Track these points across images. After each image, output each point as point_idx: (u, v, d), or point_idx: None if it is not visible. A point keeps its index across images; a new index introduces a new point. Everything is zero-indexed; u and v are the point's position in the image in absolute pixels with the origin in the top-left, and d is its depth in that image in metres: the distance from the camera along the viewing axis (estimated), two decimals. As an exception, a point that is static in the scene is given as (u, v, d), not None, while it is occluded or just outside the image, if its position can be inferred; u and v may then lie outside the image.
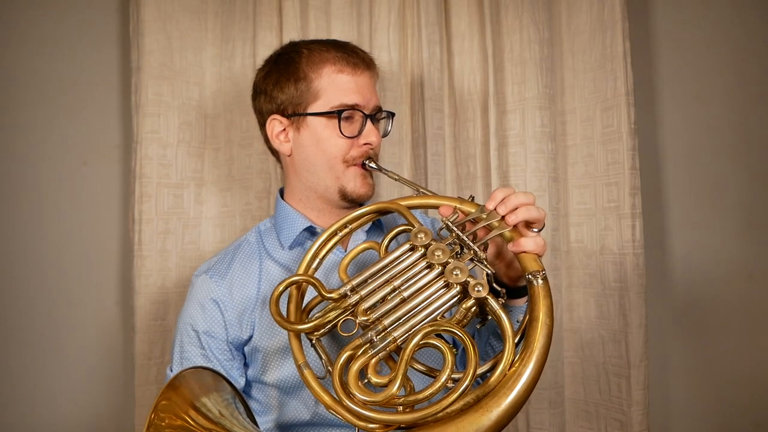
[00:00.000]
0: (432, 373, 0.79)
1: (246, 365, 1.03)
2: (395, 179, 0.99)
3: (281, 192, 1.12)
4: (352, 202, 1.04)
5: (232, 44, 1.56)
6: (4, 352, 1.54)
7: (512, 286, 0.90)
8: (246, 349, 1.01)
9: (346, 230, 0.92)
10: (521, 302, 0.91)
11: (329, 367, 0.78)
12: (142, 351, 1.46)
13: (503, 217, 0.82)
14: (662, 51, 1.62)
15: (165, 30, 1.51)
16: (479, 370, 0.72)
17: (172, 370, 1.02)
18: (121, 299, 1.65)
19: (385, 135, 1.10)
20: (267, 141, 1.10)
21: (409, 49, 1.51)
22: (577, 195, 1.48)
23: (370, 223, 0.99)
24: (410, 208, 0.90)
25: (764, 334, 1.48)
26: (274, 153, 1.12)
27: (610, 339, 1.41)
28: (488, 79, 1.48)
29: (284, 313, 0.84)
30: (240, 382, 1.02)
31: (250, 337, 1.00)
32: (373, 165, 1.02)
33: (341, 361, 0.74)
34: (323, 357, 0.80)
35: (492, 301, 0.75)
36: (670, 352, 1.58)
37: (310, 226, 1.04)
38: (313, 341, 0.81)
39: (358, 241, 1.05)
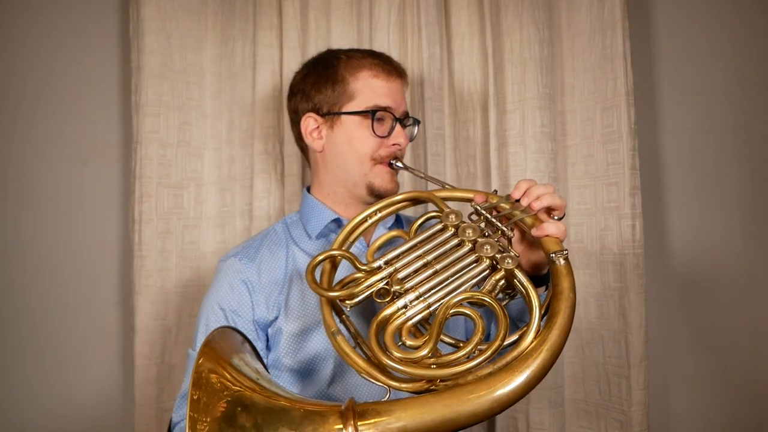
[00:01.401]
0: (459, 345, 0.81)
1: (267, 348, 1.06)
2: (421, 177, 1.08)
3: (307, 189, 1.18)
4: (378, 197, 1.10)
5: (232, 44, 1.56)
6: (3, 352, 1.54)
7: (532, 274, 0.94)
8: (270, 330, 1.05)
9: (379, 215, 0.98)
10: (540, 291, 0.94)
11: (358, 340, 0.82)
12: (142, 351, 1.46)
13: (527, 206, 0.88)
14: (662, 51, 1.61)
15: (165, 30, 1.51)
16: (507, 341, 0.74)
17: (194, 350, 1.04)
18: (121, 299, 1.65)
19: (411, 139, 1.18)
20: (299, 139, 1.17)
21: (409, 49, 1.51)
22: (577, 195, 1.48)
23: (393, 219, 1.11)
24: (443, 199, 0.95)
25: (765, 334, 1.48)
26: (304, 150, 1.19)
27: (610, 339, 1.41)
28: (488, 79, 1.48)
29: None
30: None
31: (275, 318, 1.04)
32: (400, 164, 1.10)
33: (377, 321, 0.76)
34: (352, 330, 0.84)
35: (520, 274, 0.79)
36: (670, 352, 1.58)
37: (337, 218, 1.11)
38: (343, 316, 0.84)
39: (379, 235, 1.09)
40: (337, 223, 1.11)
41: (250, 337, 0.99)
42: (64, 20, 1.63)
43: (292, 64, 1.49)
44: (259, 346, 1.04)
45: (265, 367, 0.89)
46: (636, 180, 1.38)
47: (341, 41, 1.52)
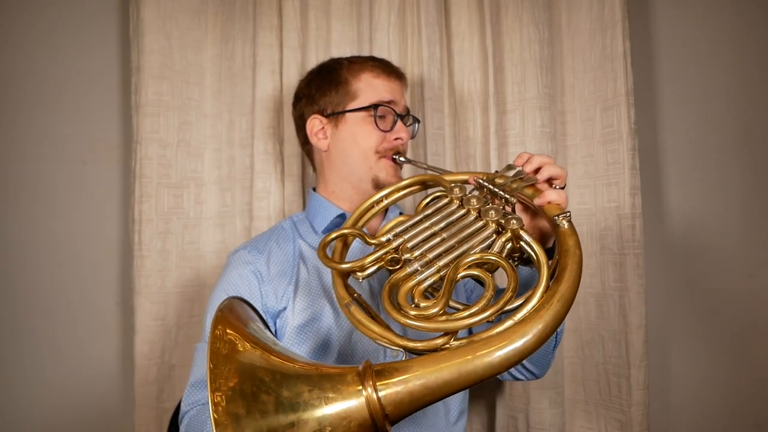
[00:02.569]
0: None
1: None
2: (424, 168, 1.11)
3: (313, 189, 1.23)
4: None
5: (232, 44, 1.56)
6: (3, 352, 1.54)
7: None
8: (278, 321, 1.07)
9: (390, 199, 1.01)
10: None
11: (371, 313, 0.82)
12: (142, 351, 1.46)
13: (527, 176, 0.91)
14: (662, 51, 1.62)
15: (165, 30, 1.51)
16: (518, 302, 0.74)
17: (205, 340, 1.04)
18: (121, 299, 1.65)
19: (412, 137, 1.23)
20: (304, 142, 1.22)
21: (409, 49, 1.51)
22: (577, 195, 1.48)
23: (397, 213, 1.19)
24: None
25: (765, 334, 1.48)
26: (309, 154, 1.24)
27: (610, 339, 1.41)
28: (488, 79, 1.48)
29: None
30: None
31: (284, 309, 1.06)
32: (402, 159, 1.14)
33: (390, 284, 0.77)
34: (363, 305, 0.84)
35: (525, 235, 0.80)
36: (670, 352, 1.58)
37: (343, 213, 1.15)
38: (355, 294, 0.84)
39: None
40: (343, 218, 1.15)
41: None
42: (64, 20, 1.63)
43: (292, 64, 1.49)
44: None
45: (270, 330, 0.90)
46: (636, 180, 1.38)
47: (341, 41, 1.53)
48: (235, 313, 0.75)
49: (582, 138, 1.47)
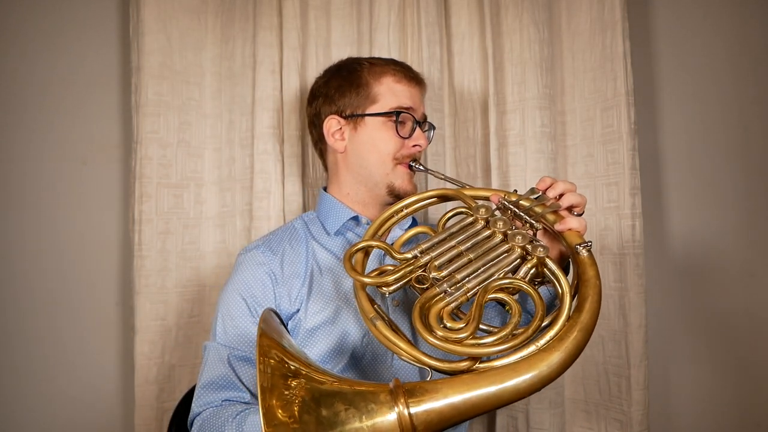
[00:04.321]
0: (492, 331, 0.83)
1: None
2: (441, 178, 1.11)
3: (323, 189, 1.22)
4: (397, 197, 1.14)
5: (232, 44, 1.56)
6: (3, 352, 1.54)
7: None
8: (290, 323, 1.06)
9: (410, 209, 1.01)
10: None
11: (393, 327, 0.83)
12: (142, 351, 1.46)
13: (550, 202, 0.92)
14: (662, 51, 1.62)
15: (165, 30, 1.51)
16: (543, 323, 0.77)
17: (214, 340, 1.05)
18: (121, 299, 1.65)
19: (428, 142, 1.21)
20: (318, 141, 1.21)
21: (409, 49, 1.51)
22: (577, 195, 1.47)
23: (410, 220, 1.17)
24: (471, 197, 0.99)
25: (765, 334, 1.48)
26: (322, 152, 1.23)
27: (610, 339, 1.41)
28: (488, 79, 1.48)
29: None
30: None
31: (297, 311, 1.06)
32: (420, 167, 1.13)
33: (420, 303, 0.79)
34: (386, 318, 0.85)
35: (550, 262, 0.83)
36: (670, 352, 1.58)
37: (356, 216, 1.15)
38: (375, 306, 0.85)
39: (395, 237, 1.10)
40: (356, 220, 1.15)
41: None
42: (64, 20, 1.63)
43: (292, 64, 1.49)
44: None
45: None
46: (636, 180, 1.38)
47: (341, 41, 1.53)
48: (270, 326, 0.77)
49: (582, 138, 1.47)
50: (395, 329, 0.82)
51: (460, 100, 1.55)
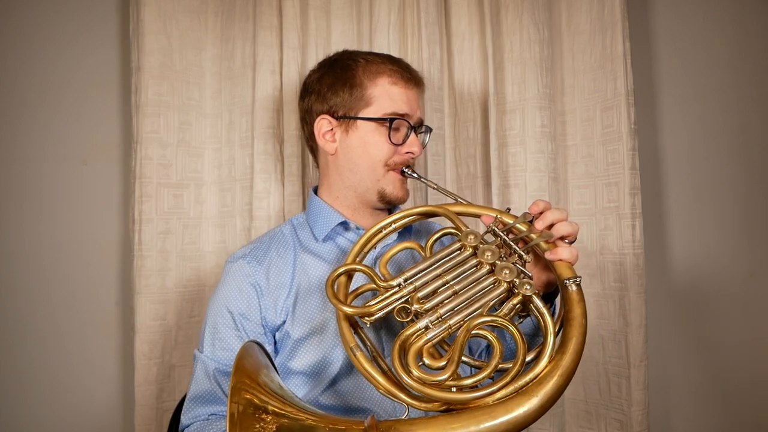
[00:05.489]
0: (477, 365, 0.83)
1: (275, 352, 1.06)
2: (434, 188, 1.06)
3: (314, 189, 1.18)
4: (388, 203, 1.11)
5: (232, 44, 1.56)
6: (4, 352, 1.54)
7: (542, 291, 0.95)
8: (277, 334, 1.05)
9: (390, 228, 0.98)
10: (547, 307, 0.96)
11: (374, 355, 0.83)
12: (142, 351, 1.46)
13: (543, 231, 0.90)
14: (662, 51, 1.62)
15: (165, 30, 1.51)
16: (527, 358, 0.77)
17: (202, 352, 1.04)
18: (121, 299, 1.65)
19: (423, 146, 1.17)
20: (309, 138, 1.16)
21: (409, 49, 1.51)
22: (577, 195, 1.48)
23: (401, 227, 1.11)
24: (456, 213, 0.96)
25: (764, 334, 1.48)
26: (313, 150, 1.18)
27: (610, 339, 1.41)
28: (488, 79, 1.47)
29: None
30: None
31: (283, 323, 1.03)
32: (413, 174, 1.09)
33: (400, 341, 0.78)
34: (369, 345, 0.84)
35: (536, 299, 0.81)
36: (670, 352, 1.58)
37: (344, 221, 1.10)
38: (359, 330, 0.85)
39: (387, 246, 1.08)
40: (344, 226, 1.11)
41: (259, 340, 0.99)
42: (64, 20, 1.63)
43: (292, 64, 1.49)
44: (269, 349, 1.03)
45: (277, 372, 0.90)
46: (636, 180, 1.38)
47: (341, 41, 1.53)
48: (249, 361, 0.76)
49: (582, 138, 1.47)
50: (376, 356, 0.82)
51: (460, 100, 1.55)
